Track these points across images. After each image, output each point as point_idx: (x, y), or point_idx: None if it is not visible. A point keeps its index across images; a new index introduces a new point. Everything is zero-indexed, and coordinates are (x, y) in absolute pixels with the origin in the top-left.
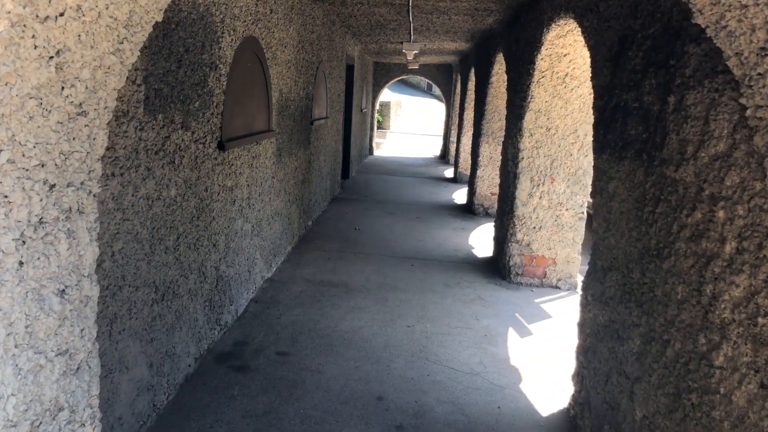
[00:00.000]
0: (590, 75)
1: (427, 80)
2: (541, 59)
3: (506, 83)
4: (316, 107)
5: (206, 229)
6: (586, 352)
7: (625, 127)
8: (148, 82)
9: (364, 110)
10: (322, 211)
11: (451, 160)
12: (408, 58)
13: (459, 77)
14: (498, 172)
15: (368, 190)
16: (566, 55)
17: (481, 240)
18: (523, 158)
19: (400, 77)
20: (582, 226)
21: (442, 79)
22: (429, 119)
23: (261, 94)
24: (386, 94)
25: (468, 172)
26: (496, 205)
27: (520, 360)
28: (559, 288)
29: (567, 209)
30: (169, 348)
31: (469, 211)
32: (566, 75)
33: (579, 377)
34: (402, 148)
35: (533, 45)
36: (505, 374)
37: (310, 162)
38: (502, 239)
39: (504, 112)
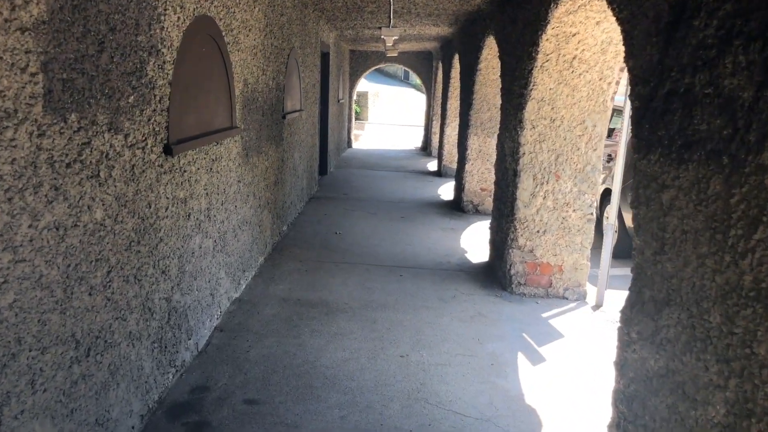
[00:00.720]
0: (624, 56)
1: (404, 69)
2: (546, 40)
3: (500, 69)
4: (288, 99)
5: (151, 255)
6: (629, 402)
7: (688, 121)
8: (50, 70)
9: (341, 101)
10: (299, 213)
11: (434, 152)
12: (387, 44)
13: (440, 65)
14: (488, 166)
15: (348, 187)
16: (575, 34)
17: (474, 242)
18: (524, 153)
19: (378, 66)
20: (591, 228)
21: (422, 68)
22: (407, 109)
23: (221, 85)
24: (363, 84)
25: (453, 165)
26: (486, 202)
27: (537, 398)
28: (567, 298)
29: (574, 210)
30: (101, 414)
31: (458, 208)
32: (574, 58)
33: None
34: (382, 140)
35: (536, 24)
36: (522, 419)
37: (284, 160)
38: (500, 244)
39: (494, 101)
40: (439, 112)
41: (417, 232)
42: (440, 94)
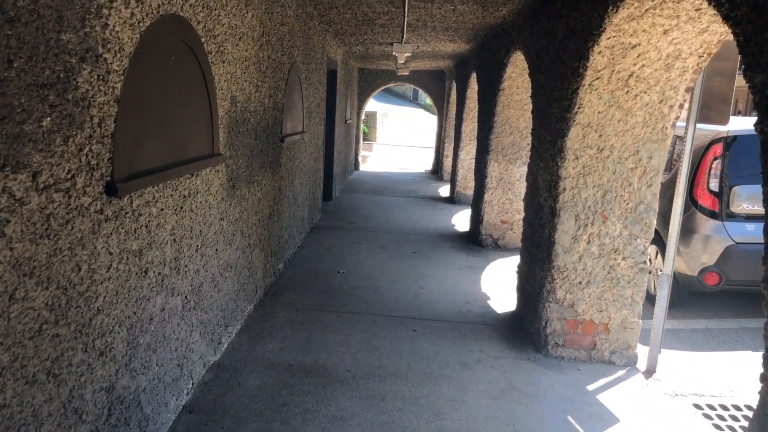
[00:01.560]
0: (744, 71)
1: (413, 88)
2: (599, 53)
3: (531, 89)
4: (288, 120)
5: (80, 335)
6: None
7: None
8: None
9: (348, 121)
10: (298, 247)
11: (446, 176)
12: (398, 62)
13: (454, 85)
14: (510, 196)
15: (354, 215)
16: (635, 46)
17: (497, 284)
18: (565, 189)
19: (388, 85)
20: (644, 280)
21: (434, 88)
22: (417, 130)
23: (198, 103)
24: (372, 104)
25: (467, 192)
26: (507, 236)
27: None
28: (614, 363)
29: (624, 258)
30: None
31: (475, 242)
32: (630, 75)
33: None
34: (390, 162)
35: (585, 34)
36: None
37: (281, 189)
38: (532, 294)
39: (517, 124)
40: (452, 134)
41: (431, 272)
42: (453, 116)
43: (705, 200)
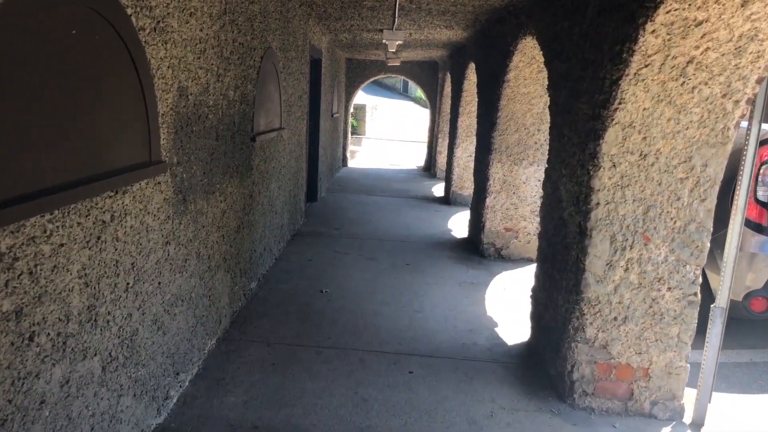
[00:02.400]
0: None
1: (403, 80)
2: (652, 32)
3: (548, 80)
4: (261, 115)
5: None
6: None
7: None
8: None
9: (335, 115)
10: (276, 259)
11: (439, 173)
12: (389, 50)
13: (448, 76)
14: (514, 201)
15: (341, 219)
16: (701, 23)
17: (504, 305)
18: (598, 203)
19: (378, 76)
20: (693, 316)
21: (426, 79)
22: (407, 123)
23: (126, 95)
24: (360, 96)
25: (464, 192)
26: (511, 245)
27: None
28: (655, 416)
29: (670, 288)
30: None
31: (476, 251)
32: (690, 62)
33: None
34: (380, 158)
35: (634, 8)
36: None
37: (253, 196)
38: (555, 330)
39: (522, 120)
40: (446, 129)
41: (428, 290)
42: (447, 110)
43: (751, 212)
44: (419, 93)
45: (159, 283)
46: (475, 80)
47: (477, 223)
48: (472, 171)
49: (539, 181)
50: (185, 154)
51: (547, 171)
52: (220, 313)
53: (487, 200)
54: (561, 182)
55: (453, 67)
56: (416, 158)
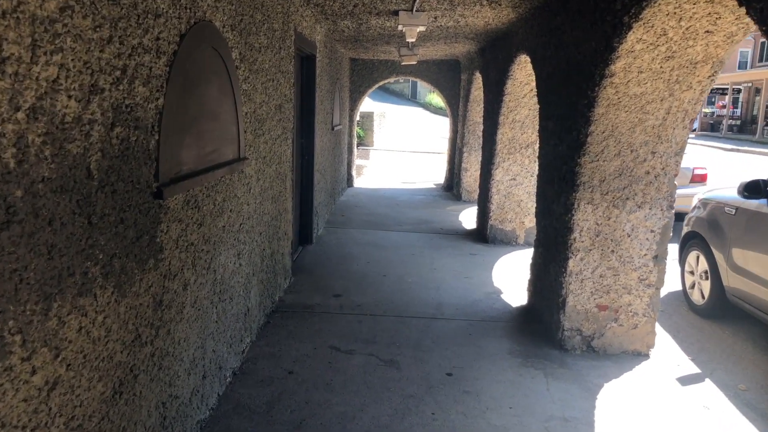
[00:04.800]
0: None
1: (412, 85)
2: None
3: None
4: (185, 144)
5: None
6: None
7: None
8: None
9: (337, 128)
10: (231, 380)
11: (465, 194)
12: (407, 40)
13: (477, 77)
14: (614, 263)
15: (343, 275)
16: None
17: None
18: None
19: (389, 79)
20: None
21: (446, 82)
22: (418, 132)
23: None
24: (366, 103)
25: (505, 227)
26: (607, 332)
27: None
28: None
29: None
30: None
31: (550, 339)
32: None
33: None
34: (391, 174)
35: None
36: None
37: (162, 301)
38: None
39: (630, 138)
40: (472, 141)
41: None
42: (475, 118)
43: None
44: (430, 98)
45: None
46: (525, 80)
47: (550, 294)
48: (515, 200)
49: (651, 232)
50: None
51: None
52: None
53: (569, 263)
54: None
55: (487, 65)
56: (432, 173)
